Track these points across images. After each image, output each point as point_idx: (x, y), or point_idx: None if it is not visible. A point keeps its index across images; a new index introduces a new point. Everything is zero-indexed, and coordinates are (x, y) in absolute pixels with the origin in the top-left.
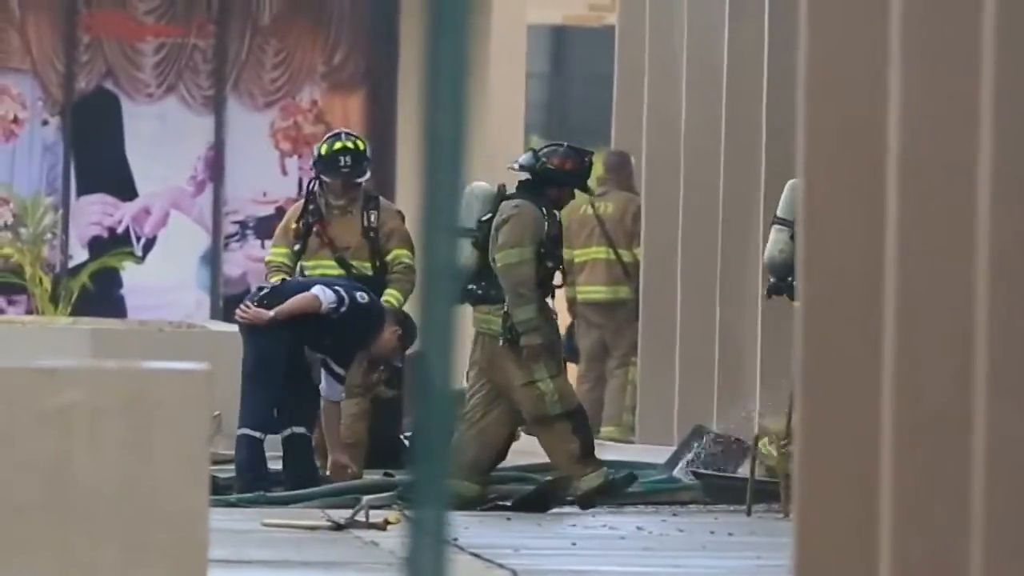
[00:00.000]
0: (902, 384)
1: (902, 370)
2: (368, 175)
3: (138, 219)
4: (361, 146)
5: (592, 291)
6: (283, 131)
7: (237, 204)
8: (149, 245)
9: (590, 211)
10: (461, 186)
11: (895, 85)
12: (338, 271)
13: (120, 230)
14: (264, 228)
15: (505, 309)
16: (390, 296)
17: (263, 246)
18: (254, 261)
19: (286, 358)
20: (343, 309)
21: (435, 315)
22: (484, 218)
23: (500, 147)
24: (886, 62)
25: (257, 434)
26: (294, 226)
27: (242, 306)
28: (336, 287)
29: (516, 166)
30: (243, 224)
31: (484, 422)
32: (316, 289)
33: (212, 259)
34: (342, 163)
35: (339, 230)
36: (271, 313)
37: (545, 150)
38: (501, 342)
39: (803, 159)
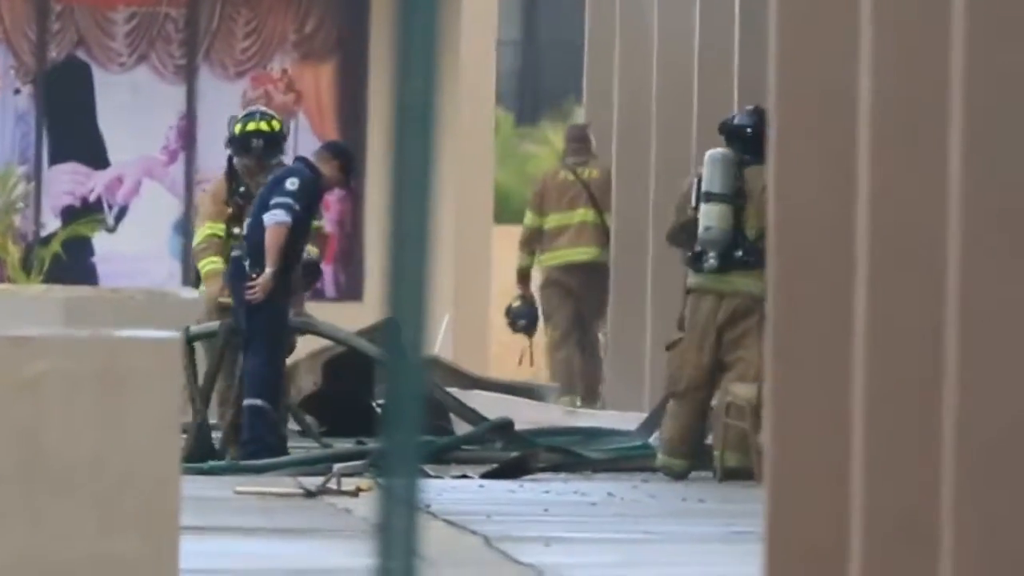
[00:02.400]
0: (873, 350)
1: (873, 336)
2: (283, 155)
3: (110, 188)
4: (276, 126)
5: (577, 253)
6: (254, 100)
7: (209, 173)
8: (121, 214)
9: (571, 177)
10: (431, 154)
11: (866, 53)
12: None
13: (92, 199)
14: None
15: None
16: (310, 249)
17: None
18: None
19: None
20: (298, 208)
21: (405, 283)
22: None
23: (471, 115)
24: (858, 30)
25: (269, 405)
26: (226, 206)
27: (247, 292)
28: (276, 202)
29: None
30: None
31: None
32: (270, 219)
33: (184, 228)
34: (254, 144)
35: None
36: (268, 271)
37: (762, 109)
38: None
39: (775, 126)
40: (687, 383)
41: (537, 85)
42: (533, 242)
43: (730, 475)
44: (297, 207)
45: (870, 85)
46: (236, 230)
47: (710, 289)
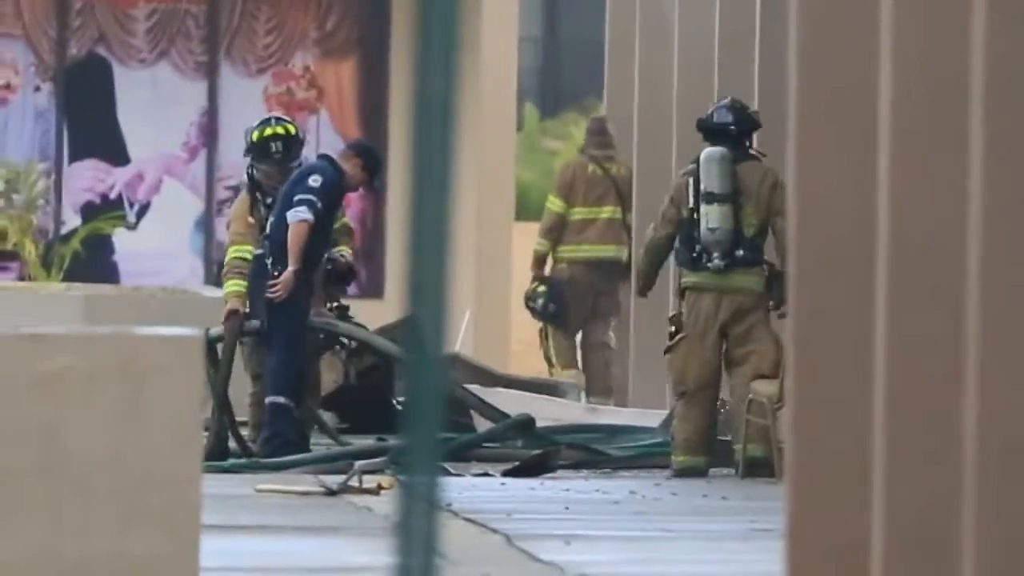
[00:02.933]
0: (894, 347)
1: (894, 333)
2: (301, 158)
3: (131, 185)
4: (292, 130)
5: (604, 249)
6: (276, 97)
7: (230, 170)
8: (142, 211)
9: (599, 172)
10: (452, 151)
11: (886, 49)
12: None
13: (113, 196)
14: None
15: (768, 273)
16: (343, 249)
17: None
18: None
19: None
20: (320, 206)
21: (426, 279)
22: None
23: (492, 111)
24: (877, 26)
25: (290, 402)
26: (251, 220)
27: (269, 290)
28: (299, 199)
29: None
30: (236, 190)
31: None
32: (293, 216)
33: (205, 225)
34: (273, 149)
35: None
36: (291, 269)
37: (739, 103)
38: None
39: (795, 122)
40: (695, 382)
41: (558, 82)
42: (557, 230)
43: (752, 467)
44: (320, 204)
45: (890, 80)
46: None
47: (709, 287)
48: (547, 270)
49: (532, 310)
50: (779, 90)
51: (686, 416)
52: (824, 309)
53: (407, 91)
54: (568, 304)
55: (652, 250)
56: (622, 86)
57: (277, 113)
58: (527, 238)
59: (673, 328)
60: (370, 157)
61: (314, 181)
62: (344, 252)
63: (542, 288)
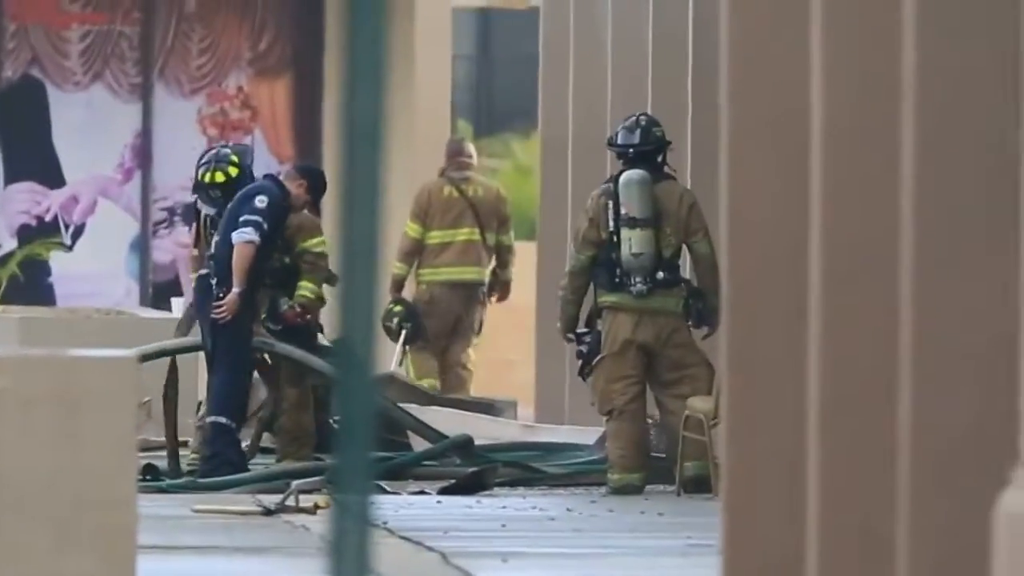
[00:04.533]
0: (828, 362)
1: (828, 347)
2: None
3: (66, 207)
4: (234, 172)
5: (463, 272)
6: (210, 117)
7: (165, 191)
8: (78, 233)
9: (455, 193)
10: (380, 169)
11: (817, 65)
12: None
13: (48, 218)
14: (192, 214)
15: (686, 292)
16: (303, 290)
17: (191, 232)
18: (183, 247)
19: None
20: (266, 227)
21: (356, 299)
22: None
23: (426, 130)
24: (808, 42)
25: (232, 423)
26: (195, 252)
27: (214, 311)
28: (245, 220)
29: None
30: (171, 211)
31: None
32: (238, 237)
33: (141, 246)
34: (213, 196)
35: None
36: (236, 291)
37: (645, 121)
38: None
39: (727, 140)
40: (622, 400)
41: (492, 100)
42: (413, 254)
43: (691, 484)
44: (266, 226)
45: (821, 99)
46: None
47: (628, 307)
48: (407, 293)
49: (387, 329)
50: (712, 106)
51: (617, 434)
52: (758, 326)
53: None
54: (423, 324)
55: (577, 273)
56: (556, 103)
57: (221, 142)
58: None
59: (584, 348)
60: (315, 179)
61: (260, 202)
62: (305, 293)
63: (397, 308)
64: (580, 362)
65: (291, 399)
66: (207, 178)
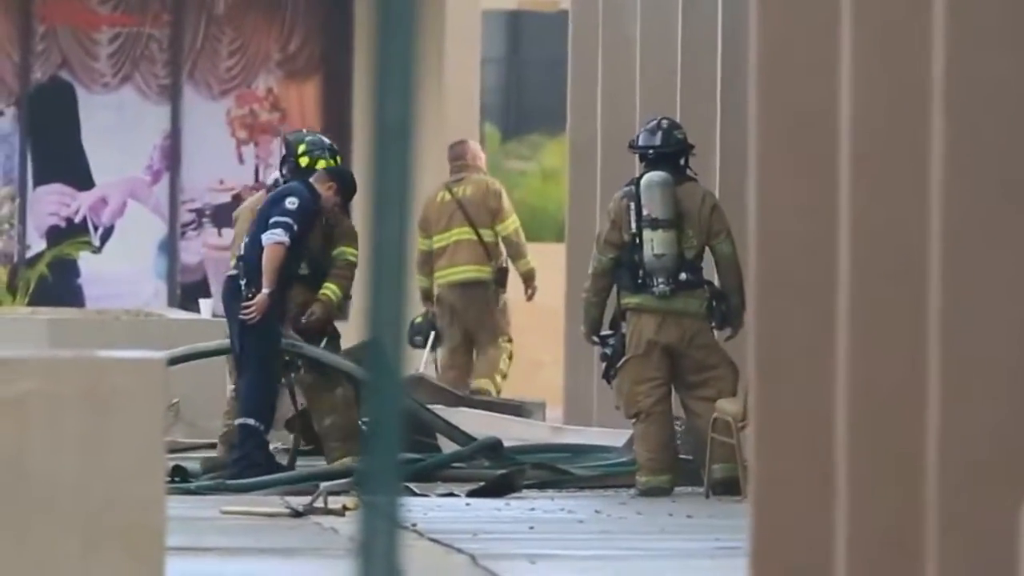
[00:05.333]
0: (856, 366)
1: (856, 352)
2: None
3: (95, 208)
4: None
5: (456, 272)
6: (239, 119)
7: (194, 192)
8: (106, 234)
9: (448, 196)
10: (410, 170)
11: (846, 70)
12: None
13: (77, 220)
14: (221, 216)
15: (709, 294)
16: (327, 290)
17: (220, 234)
18: (211, 249)
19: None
20: (296, 229)
21: (385, 302)
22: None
23: (455, 132)
24: (837, 47)
25: (261, 425)
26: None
27: (242, 311)
28: (275, 221)
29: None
30: (200, 212)
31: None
32: (268, 238)
33: (169, 248)
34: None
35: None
36: (265, 292)
37: (667, 124)
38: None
39: (756, 143)
40: (648, 402)
41: (521, 103)
42: (425, 264)
43: (719, 487)
44: (296, 227)
45: (850, 102)
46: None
47: (651, 308)
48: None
49: (412, 343)
50: (741, 110)
51: (644, 436)
52: (786, 329)
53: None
54: (436, 327)
55: (599, 275)
56: (585, 106)
57: (306, 130)
58: None
59: (609, 351)
60: (345, 181)
61: (291, 203)
62: (328, 293)
63: (417, 320)
64: (604, 365)
65: (340, 398)
66: (320, 164)
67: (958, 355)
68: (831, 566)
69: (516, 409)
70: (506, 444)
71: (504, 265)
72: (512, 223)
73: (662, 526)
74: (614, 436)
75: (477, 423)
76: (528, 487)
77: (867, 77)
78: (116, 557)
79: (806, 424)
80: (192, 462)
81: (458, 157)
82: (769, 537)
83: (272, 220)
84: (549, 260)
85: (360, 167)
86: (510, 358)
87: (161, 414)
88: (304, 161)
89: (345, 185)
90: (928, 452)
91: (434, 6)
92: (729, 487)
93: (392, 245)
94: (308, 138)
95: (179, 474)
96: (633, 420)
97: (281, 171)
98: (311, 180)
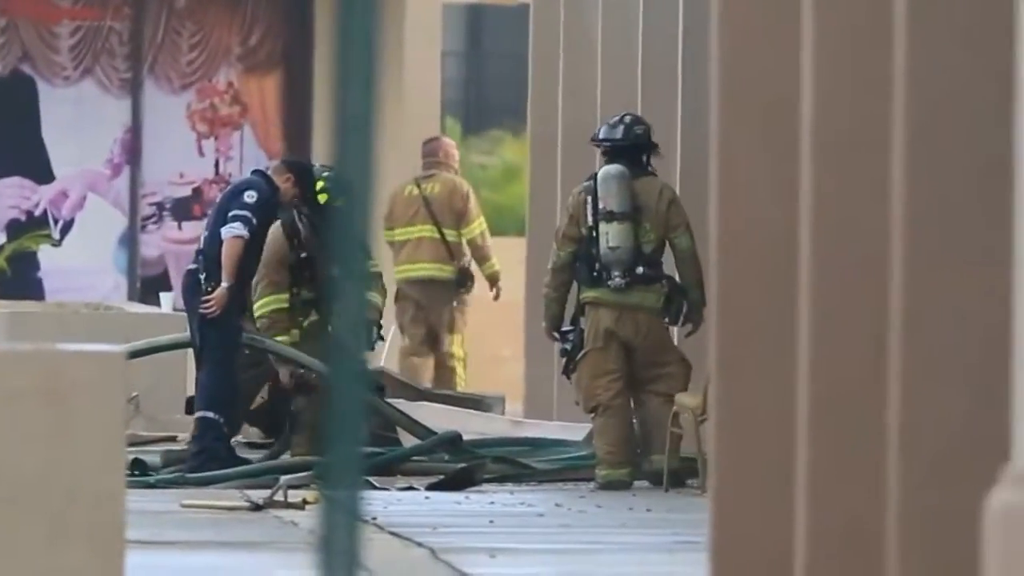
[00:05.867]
0: (818, 360)
1: (817, 346)
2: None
3: (55, 202)
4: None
5: (415, 268)
6: (199, 113)
7: (154, 186)
8: (66, 228)
9: (416, 191)
10: (372, 165)
11: (807, 62)
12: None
13: (37, 213)
14: (181, 209)
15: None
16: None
17: (180, 227)
18: (171, 243)
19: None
20: (255, 222)
21: (346, 294)
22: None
23: (416, 126)
24: (799, 39)
25: (220, 418)
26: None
27: (203, 306)
28: (234, 215)
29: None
30: (160, 206)
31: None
32: (227, 232)
33: (129, 241)
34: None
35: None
36: (224, 286)
37: (629, 119)
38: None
39: (718, 137)
40: (607, 396)
41: (482, 97)
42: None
43: (676, 477)
44: (255, 221)
45: (812, 92)
46: (305, 292)
47: (608, 302)
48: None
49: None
50: (703, 104)
51: (603, 430)
52: (747, 324)
53: (331, 106)
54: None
55: (558, 270)
56: (546, 100)
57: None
58: None
59: (568, 346)
60: (302, 173)
61: (249, 197)
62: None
63: None
64: (564, 360)
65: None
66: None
67: (919, 349)
68: (791, 560)
69: (476, 403)
70: (466, 438)
71: (466, 266)
72: (478, 226)
73: (622, 520)
74: (574, 430)
75: (437, 417)
76: (488, 481)
77: (829, 72)
78: (78, 550)
79: (767, 418)
80: (152, 455)
81: (430, 153)
82: (729, 531)
83: (231, 214)
84: (510, 255)
85: (321, 161)
86: (463, 360)
87: (121, 408)
88: (323, 198)
89: (303, 177)
90: (889, 446)
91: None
92: (685, 473)
93: (352, 240)
94: (326, 173)
95: (138, 467)
96: (592, 414)
97: None
98: (269, 172)
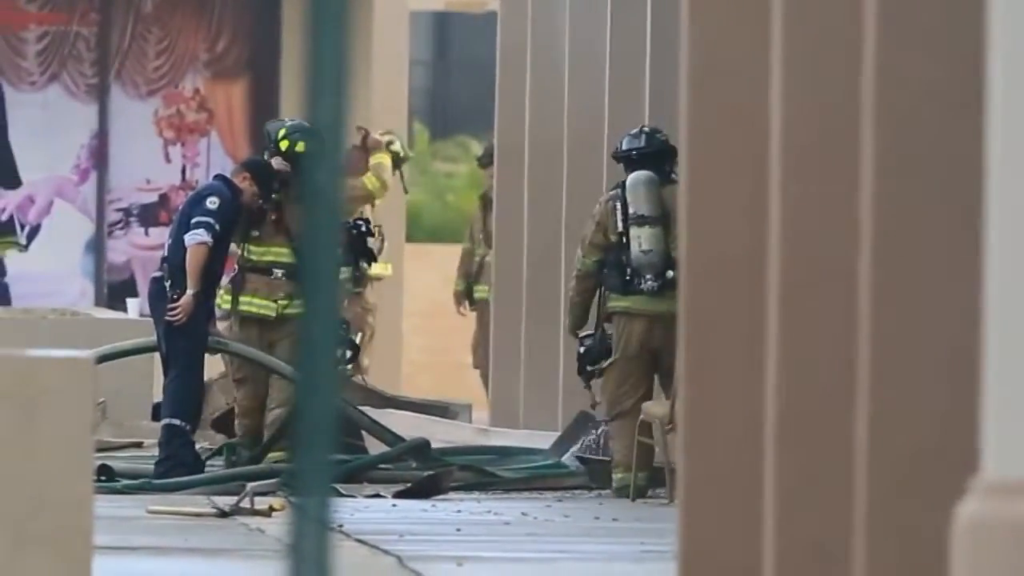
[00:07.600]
0: (786, 369)
1: (785, 356)
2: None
3: (22, 207)
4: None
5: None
6: (166, 119)
7: (121, 192)
8: (33, 233)
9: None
10: (341, 169)
11: (776, 71)
12: (290, 259)
13: (4, 218)
14: (148, 215)
15: None
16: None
17: (147, 233)
18: (138, 248)
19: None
20: (218, 228)
21: (318, 297)
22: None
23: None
24: (767, 48)
25: (186, 425)
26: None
27: (168, 313)
28: (197, 221)
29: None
30: (127, 212)
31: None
32: (191, 239)
33: (96, 247)
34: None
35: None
36: (190, 293)
37: (649, 128)
38: None
39: (686, 146)
40: (630, 403)
41: (448, 104)
42: None
43: (641, 491)
44: (218, 226)
45: (780, 103)
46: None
47: (640, 312)
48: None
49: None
50: (671, 113)
51: (621, 435)
52: (715, 332)
53: (297, 113)
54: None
55: (583, 277)
56: (513, 108)
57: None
58: (418, 260)
59: (582, 349)
60: (259, 171)
61: (211, 203)
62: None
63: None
64: (577, 362)
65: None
66: (300, 147)
67: (888, 359)
68: (759, 570)
69: (442, 411)
70: (433, 445)
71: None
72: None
73: (588, 529)
74: (541, 438)
75: (404, 424)
76: (455, 489)
77: (798, 82)
78: (44, 555)
79: (735, 427)
80: (119, 461)
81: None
82: (696, 541)
83: (194, 220)
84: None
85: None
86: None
87: (89, 413)
88: (284, 145)
89: (260, 175)
90: (858, 456)
91: (362, 6)
92: (650, 485)
93: (324, 245)
94: (289, 123)
95: (105, 473)
96: (613, 419)
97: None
98: (229, 176)
